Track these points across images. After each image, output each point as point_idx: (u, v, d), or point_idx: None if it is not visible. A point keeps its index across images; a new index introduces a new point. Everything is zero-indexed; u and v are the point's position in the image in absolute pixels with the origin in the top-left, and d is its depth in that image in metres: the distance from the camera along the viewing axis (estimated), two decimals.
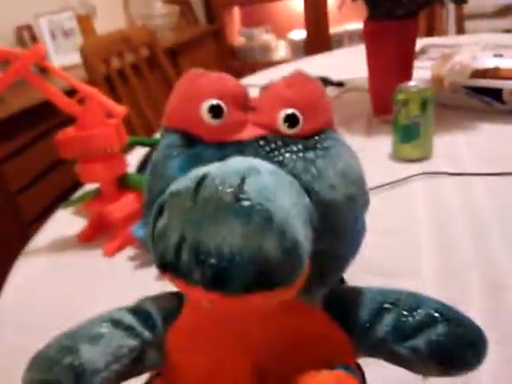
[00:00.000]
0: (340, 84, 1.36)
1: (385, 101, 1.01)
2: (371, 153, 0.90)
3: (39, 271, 0.67)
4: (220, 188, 0.21)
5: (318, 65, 1.65)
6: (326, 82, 1.39)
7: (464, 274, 0.55)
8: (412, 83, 0.82)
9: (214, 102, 0.26)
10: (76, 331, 0.28)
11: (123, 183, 0.69)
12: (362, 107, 1.14)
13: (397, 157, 0.87)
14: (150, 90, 1.46)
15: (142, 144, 0.81)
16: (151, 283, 0.60)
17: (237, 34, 3.04)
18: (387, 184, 0.77)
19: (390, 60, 0.97)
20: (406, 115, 0.81)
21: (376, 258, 0.58)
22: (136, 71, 1.39)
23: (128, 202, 0.68)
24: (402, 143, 0.84)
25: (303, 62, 1.78)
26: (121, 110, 0.65)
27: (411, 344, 0.27)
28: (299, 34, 2.94)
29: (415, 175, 0.79)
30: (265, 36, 2.98)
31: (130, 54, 1.35)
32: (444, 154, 0.85)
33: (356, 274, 0.35)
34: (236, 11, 3.04)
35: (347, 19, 2.89)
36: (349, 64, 1.45)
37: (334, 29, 2.90)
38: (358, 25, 2.79)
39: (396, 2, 0.91)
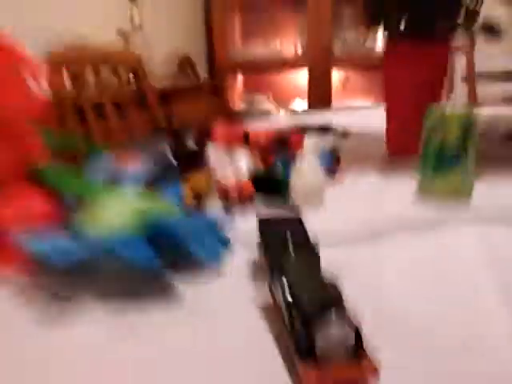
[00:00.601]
0: (345, 134, 1.18)
1: (404, 138, 0.83)
2: (389, 194, 0.69)
3: None
4: None
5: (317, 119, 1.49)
6: (328, 130, 1.21)
7: None
8: (449, 104, 0.62)
9: None
10: None
11: (32, 177, 0.46)
12: (373, 151, 0.94)
13: (424, 195, 0.65)
14: (129, 124, 1.28)
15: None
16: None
17: (238, 99, 2.97)
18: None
19: (414, 88, 0.79)
20: (441, 138, 0.61)
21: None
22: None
23: (33, 204, 0.45)
24: (434, 177, 0.63)
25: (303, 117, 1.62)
26: (40, 65, 0.44)
27: None
28: (301, 105, 2.86)
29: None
30: (266, 104, 2.91)
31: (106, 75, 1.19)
32: (486, 197, 0.63)
33: None
34: (239, 77, 2.99)
35: (351, 96, 2.84)
36: (351, 121, 1.28)
37: (337, 104, 2.83)
38: (361, 102, 2.73)
39: (433, 18, 0.75)
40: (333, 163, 0.80)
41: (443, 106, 0.61)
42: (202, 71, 2.73)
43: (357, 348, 0.30)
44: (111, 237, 0.41)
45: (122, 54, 1.19)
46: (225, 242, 0.49)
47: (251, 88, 2.97)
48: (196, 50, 2.73)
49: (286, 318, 0.33)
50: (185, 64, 2.29)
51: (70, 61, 1.05)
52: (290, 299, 0.33)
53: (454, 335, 0.35)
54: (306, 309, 0.31)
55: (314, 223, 0.46)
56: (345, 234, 0.53)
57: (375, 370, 0.29)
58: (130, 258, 0.39)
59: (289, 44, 2.84)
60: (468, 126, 0.60)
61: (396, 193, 0.67)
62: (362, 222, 0.55)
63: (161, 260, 0.41)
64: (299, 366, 0.29)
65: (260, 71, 2.90)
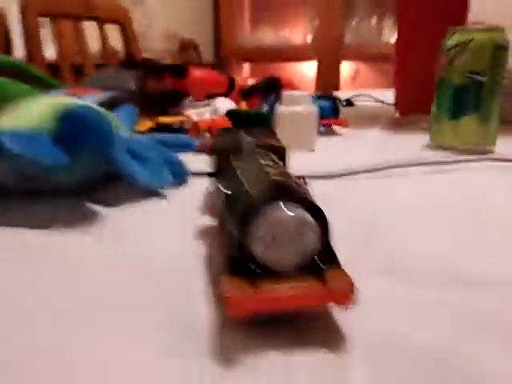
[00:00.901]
0: (350, 102, 1.06)
1: (415, 95, 0.71)
2: (396, 145, 0.57)
3: None
4: None
5: None
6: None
7: None
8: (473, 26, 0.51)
9: None
10: None
11: None
12: (380, 113, 0.83)
13: (438, 144, 0.53)
14: None
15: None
16: None
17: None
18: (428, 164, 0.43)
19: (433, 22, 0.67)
20: (462, 70, 0.50)
21: None
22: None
23: None
24: (451, 119, 0.51)
25: None
26: None
27: None
28: None
29: (472, 160, 0.45)
30: None
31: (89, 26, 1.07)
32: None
33: None
34: (246, 65, 2.89)
35: (360, 90, 2.72)
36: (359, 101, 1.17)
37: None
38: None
39: None
40: (331, 112, 0.69)
41: (468, 29, 0.49)
42: (207, 56, 2.63)
43: (320, 260, 0.19)
44: (11, 132, 0.30)
45: (108, 4, 1.07)
46: (180, 173, 0.38)
47: (257, 77, 2.86)
48: (202, 32, 2.63)
49: (222, 222, 0.22)
50: (187, 44, 2.18)
51: (47, 7, 0.95)
52: (227, 193, 0.22)
53: (452, 272, 0.24)
54: (243, 201, 0.20)
55: (300, 162, 0.34)
56: (336, 169, 0.42)
57: (345, 294, 0.18)
58: (28, 155, 0.28)
59: (298, 33, 2.74)
60: (497, 53, 0.48)
61: (404, 144, 0.56)
62: (360, 161, 0.44)
63: (77, 159, 0.30)
64: (222, 282, 0.18)
65: (267, 60, 2.79)
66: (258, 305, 0.17)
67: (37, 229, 0.29)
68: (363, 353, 0.17)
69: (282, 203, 0.18)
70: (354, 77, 2.83)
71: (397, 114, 0.79)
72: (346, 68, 2.75)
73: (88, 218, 0.32)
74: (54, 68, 1.02)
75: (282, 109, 0.52)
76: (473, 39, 0.48)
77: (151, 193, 0.36)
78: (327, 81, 2.72)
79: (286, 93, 0.53)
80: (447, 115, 0.51)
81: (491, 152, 0.50)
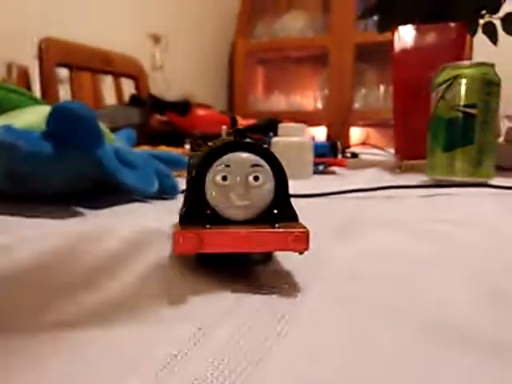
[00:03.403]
0: (355, 155, 1.08)
1: (414, 138, 0.72)
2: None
3: None
4: None
5: None
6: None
7: None
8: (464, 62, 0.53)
9: None
10: None
11: None
12: (381, 161, 0.84)
13: (434, 178, 0.53)
14: None
15: None
16: None
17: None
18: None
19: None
20: (452, 103, 0.51)
21: None
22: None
23: None
24: (444, 152, 0.52)
25: None
26: None
27: None
28: None
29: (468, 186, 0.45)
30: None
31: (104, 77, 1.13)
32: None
33: None
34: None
35: None
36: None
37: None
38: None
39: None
40: (330, 152, 0.70)
41: (457, 65, 0.51)
42: None
43: (278, 214, 0.18)
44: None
45: (124, 58, 1.13)
46: (169, 186, 0.39)
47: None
48: (217, 96, 2.76)
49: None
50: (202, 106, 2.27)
51: (64, 57, 1.01)
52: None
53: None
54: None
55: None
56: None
57: (297, 240, 0.17)
58: (18, 145, 0.29)
59: (309, 100, 2.85)
60: (488, 87, 0.50)
61: (400, 180, 0.56)
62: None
63: (65, 157, 0.31)
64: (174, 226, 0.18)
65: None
66: (203, 243, 0.17)
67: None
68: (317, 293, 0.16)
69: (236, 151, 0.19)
70: (364, 141, 2.90)
71: (397, 160, 0.80)
72: (357, 133, 2.82)
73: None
74: None
75: (276, 139, 0.53)
76: (461, 74, 0.50)
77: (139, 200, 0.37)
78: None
79: (282, 124, 0.55)
80: (441, 148, 0.52)
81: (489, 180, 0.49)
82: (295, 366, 0.13)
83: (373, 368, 0.13)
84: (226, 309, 0.16)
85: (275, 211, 0.18)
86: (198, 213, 0.18)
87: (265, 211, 0.18)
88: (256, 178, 0.18)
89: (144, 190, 0.35)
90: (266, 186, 0.18)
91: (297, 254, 0.17)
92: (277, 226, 0.18)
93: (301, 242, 0.17)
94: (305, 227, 0.17)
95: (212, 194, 0.18)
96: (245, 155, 0.18)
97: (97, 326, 0.15)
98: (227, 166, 0.18)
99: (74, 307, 0.16)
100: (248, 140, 0.19)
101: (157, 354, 0.13)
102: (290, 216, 0.19)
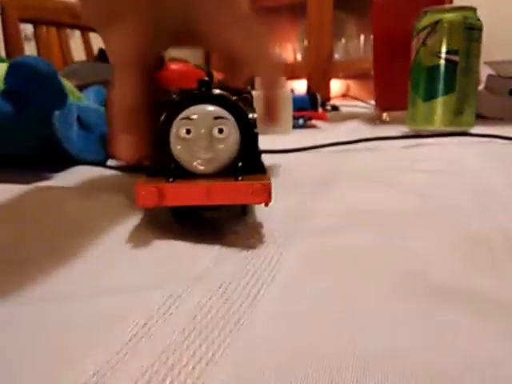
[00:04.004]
0: (335, 108, 1.06)
1: (395, 89, 0.71)
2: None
3: None
4: None
5: None
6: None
7: None
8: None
9: None
10: None
11: None
12: (362, 113, 0.83)
13: (414, 128, 0.53)
14: None
15: None
16: None
17: None
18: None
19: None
20: (434, 50, 0.49)
21: None
22: None
23: None
24: (425, 101, 0.51)
25: None
26: None
27: None
28: None
29: (453, 134, 0.44)
30: None
31: None
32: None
33: None
34: None
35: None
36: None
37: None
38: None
39: None
40: (311, 106, 0.68)
41: (438, 9, 0.49)
42: None
43: (244, 167, 0.18)
44: None
45: None
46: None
47: None
48: (192, 51, 2.66)
49: None
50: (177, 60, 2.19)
51: (28, 12, 0.94)
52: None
53: None
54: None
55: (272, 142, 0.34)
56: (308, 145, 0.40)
57: (261, 192, 0.16)
58: None
59: (288, 51, 2.77)
60: (470, 32, 0.48)
61: (380, 131, 0.55)
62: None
63: (22, 116, 0.29)
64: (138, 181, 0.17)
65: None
66: (164, 197, 0.17)
67: None
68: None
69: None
70: (344, 94, 2.86)
71: (377, 111, 0.79)
72: (337, 85, 2.78)
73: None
74: None
75: (252, 92, 0.51)
76: (443, 18, 0.48)
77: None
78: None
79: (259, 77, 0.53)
80: (422, 97, 0.51)
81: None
82: (272, 331, 0.12)
83: (355, 323, 0.12)
84: (199, 274, 0.15)
85: (240, 164, 0.18)
86: (164, 166, 0.17)
87: (230, 164, 0.18)
88: (220, 131, 0.17)
89: (90, 159, 0.33)
90: (230, 138, 0.18)
91: (266, 207, 0.17)
92: (240, 178, 0.17)
93: (261, 195, 0.16)
94: (268, 180, 0.17)
95: (176, 147, 0.17)
96: (209, 108, 0.17)
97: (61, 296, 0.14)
98: (190, 119, 0.17)
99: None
100: (212, 92, 0.18)
101: (125, 324, 0.12)
102: (258, 169, 0.18)
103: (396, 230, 0.20)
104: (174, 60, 0.69)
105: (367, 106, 0.95)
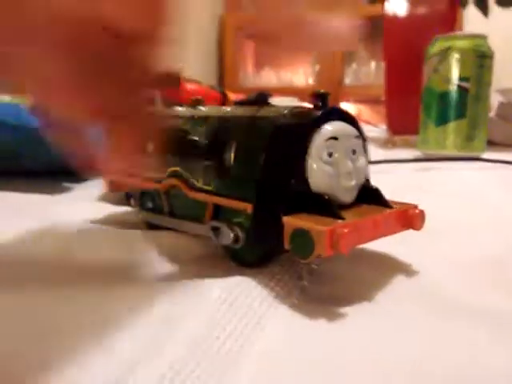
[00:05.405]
0: None
1: (406, 113, 0.72)
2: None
3: None
4: None
5: None
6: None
7: None
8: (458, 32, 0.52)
9: None
10: None
11: None
12: (374, 136, 0.84)
13: (426, 151, 0.53)
14: None
15: None
16: None
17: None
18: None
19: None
20: (445, 76, 0.50)
21: None
22: None
23: None
24: (438, 126, 0.51)
25: None
26: None
27: None
28: None
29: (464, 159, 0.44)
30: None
31: None
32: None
33: None
34: None
35: None
36: None
37: None
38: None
39: None
40: None
41: (450, 36, 0.50)
42: None
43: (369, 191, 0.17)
44: None
45: None
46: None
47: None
48: (207, 74, 2.71)
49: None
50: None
51: None
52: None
53: None
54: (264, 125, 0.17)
55: None
56: None
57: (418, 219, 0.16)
58: None
59: (300, 74, 2.81)
60: (483, 55, 0.49)
61: (392, 154, 0.56)
62: None
63: None
64: (292, 222, 0.15)
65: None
66: (358, 237, 0.14)
67: None
68: None
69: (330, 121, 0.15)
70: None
71: (389, 135, 0.79)
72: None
73: None
74: None
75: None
76: (454, 45, 0.49)
77: None
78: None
79: (274, 98, 0.54)
80: (434, 122, 0.51)
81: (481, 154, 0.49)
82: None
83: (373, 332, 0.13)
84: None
85: (372, 188, 0.16)
86: (301, 198, 0.15)
87: (361, 189, 0.16)
88: (353, 152, 0.16)
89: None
90: (361, 160, 0.16)
91: None
92: (393, 206, 0.16)
93: (420, 221, 0.16)
94: (410, 204, 0.16)
95: (317, 173, 0.15)
96: (348, 126, 0.16)
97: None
98: (336, 138, 0.15)
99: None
100: (339, 107, 0.17)
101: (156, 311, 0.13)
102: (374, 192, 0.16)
103: (409, 249, 0.20)
104: (188, 81, 0.71)
105: (378, 130, 0.96)
